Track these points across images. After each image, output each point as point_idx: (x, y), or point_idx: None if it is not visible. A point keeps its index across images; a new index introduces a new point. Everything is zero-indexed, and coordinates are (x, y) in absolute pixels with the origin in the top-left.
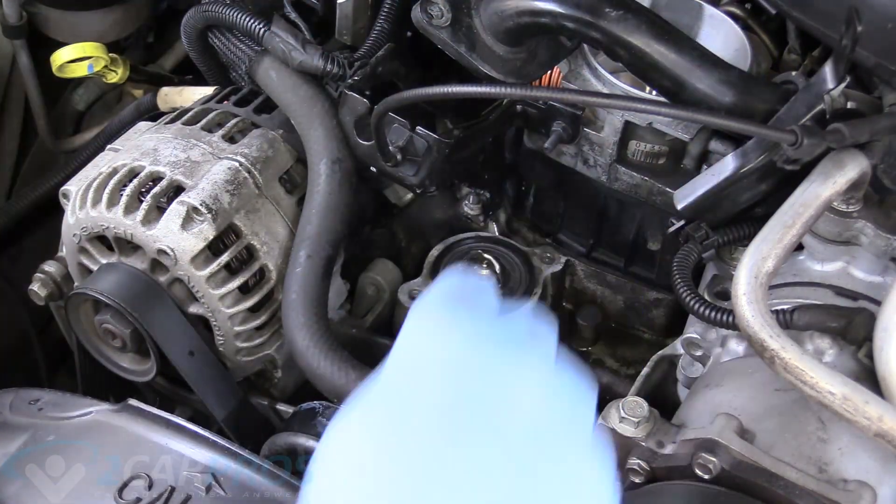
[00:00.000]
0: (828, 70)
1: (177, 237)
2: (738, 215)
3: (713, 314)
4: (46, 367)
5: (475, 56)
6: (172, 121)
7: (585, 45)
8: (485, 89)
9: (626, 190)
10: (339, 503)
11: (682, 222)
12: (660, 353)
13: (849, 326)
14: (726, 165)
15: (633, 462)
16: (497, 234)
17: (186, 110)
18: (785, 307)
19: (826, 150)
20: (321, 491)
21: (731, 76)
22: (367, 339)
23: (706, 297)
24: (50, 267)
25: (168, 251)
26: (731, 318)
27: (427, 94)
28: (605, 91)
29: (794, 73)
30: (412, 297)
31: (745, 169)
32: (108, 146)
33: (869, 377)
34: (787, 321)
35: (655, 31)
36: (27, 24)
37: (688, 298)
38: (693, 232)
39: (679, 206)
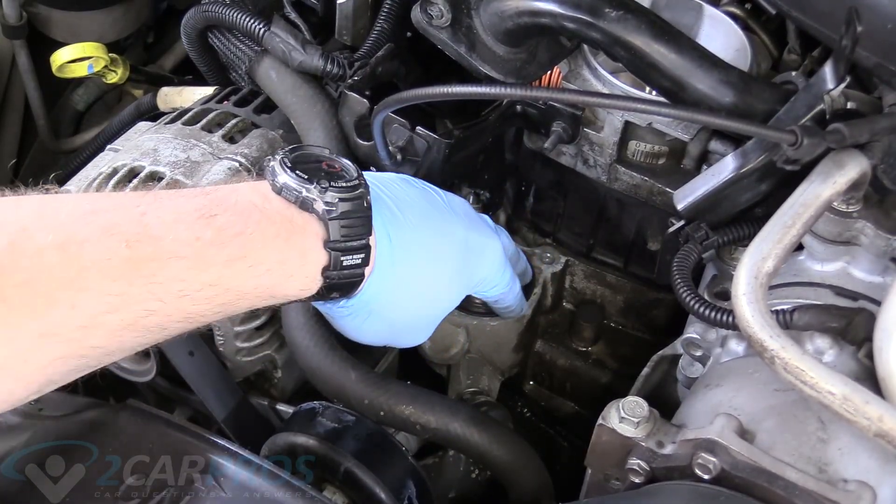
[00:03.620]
0: (828, 70)
1: None
2: (738, 215)
3: (713, 314)
4: None
5: (475, 56)
6: (172, 121)
7: (585, 46)
8: (485, 89)
9: (626, 190)
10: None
11: (681, 222)
12: (660, 353)
13: (849, 326)
14: (726, 165)
15: (633, 462)
16: None
17: (186, 110)
18: (785, 307)
19: (826, 150)
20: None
21: (730, 76)
22: None
23: (706, 297)
24: None
25: None
26: (731, 318)
27: (427, 94)
28: (605, 91)
29: (794, 73)
30: None
31: (745, 169)
32: (108, 146)
33: (869, 377)
34: (786, 321)
35: (655, 32)
36: (27, 24)
37: (688, 298)
38: (693, 232)
39: (679, 207)
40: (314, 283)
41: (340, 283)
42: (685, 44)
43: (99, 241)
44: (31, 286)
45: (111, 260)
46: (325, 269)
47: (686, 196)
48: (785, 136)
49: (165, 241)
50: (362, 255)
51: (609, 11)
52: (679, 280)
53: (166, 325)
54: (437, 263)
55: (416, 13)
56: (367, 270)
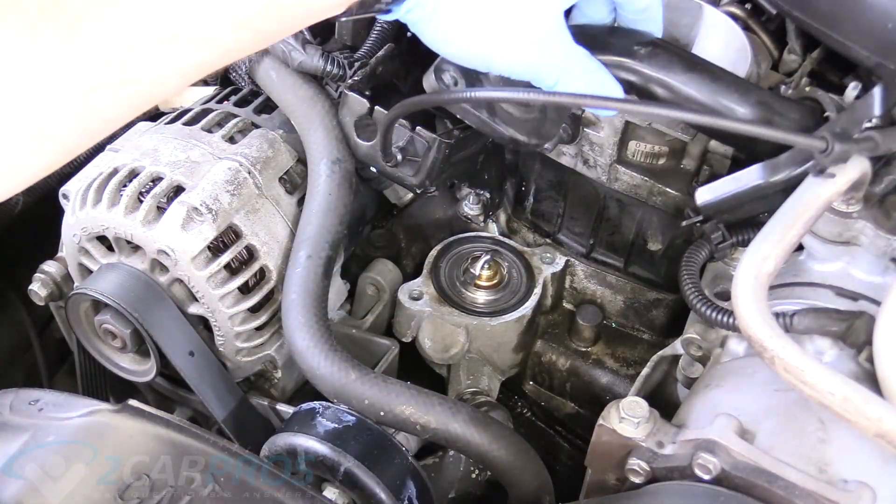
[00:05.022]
0: (877, 96)
1: (177, 237)
2: (753, 220)
3: (718, 316)
4: (46, 367)
5: (498, 121)
6: (172, 121)
7: None
8: (501, 94)
9: (626, 190)
10: None
11: (698, 217)
12: (660, 353)
13: (849, 330)
14: (754, 174)
15: (633, 462)
16: (497, 234)
17: (186, 110)
18: (785, 307)
19: None
20: None
21: (764, 97)
22: (366, 339)
23: None
24: (50, 267)
25: (168, 251)
26: (731, 319)
27: (444, 99)
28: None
29: (819, 91)
30: (412, 298)
31: (772, 180)
32: (108, 146)
33: (869, 380)
34: (787, 325)
35: (685, 63)
36: None
37: (693, 298)
38: (710, 232)
39: (699, 202)
40: None
41: None
42: (715, 70)
43: None
44: (56, 5)
45: None
46: None
47: (709, 193)
48: (815, 143)
49: None
50: None
51: (638, 49)
52: (686, 277)
53: (214, 34)
54: None
55: (430, 81)
56: None
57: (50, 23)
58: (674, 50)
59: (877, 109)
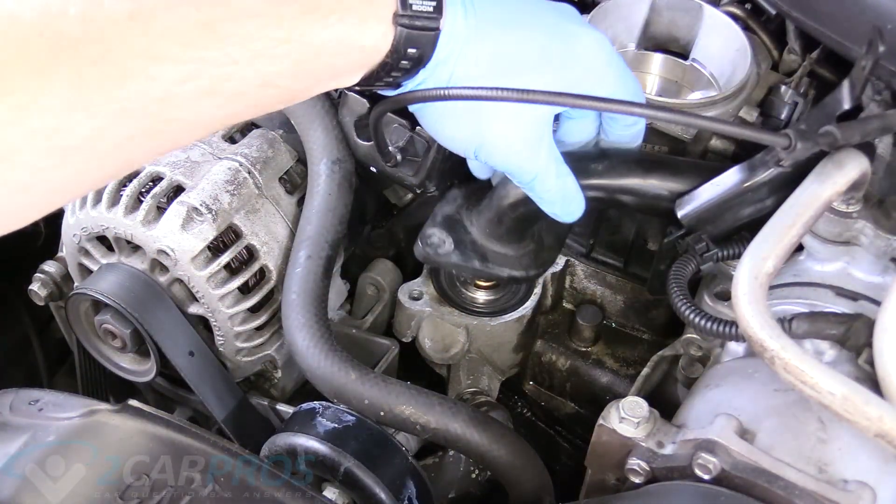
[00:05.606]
0: (844, 90)
1: (177, 237)
2: (741, 228)
3: (711, 325)
4: (46, 367)
5: (491, 265)
6: None
7: None
8: (482, 92)
9: None
10: None
11: (681, 231)
12: (660, 353)
13: (848, 333)
14: (731, 177)
15: (633, 462)
16: None
17: None
18: (785, 308)
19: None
20: None
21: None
22: (366, 339)
23: (705, 297)
24: (50, 267)
25: (168, 251)
26: (729, 329)
27: (429, 96)
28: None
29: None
30: (412, 298)
31: (750, 183)
32: None
33: (869, 382)
34: (785, 330)
35: (643, 166)
36: None
37: (685, 310)
38: (694, 244)
39: (679, 214)
40: (388, 29)
41: (415, 34)
42: (675, 162)
43: (169, 7)
44: (106, 59)
45: (183, 25)
46: (395, 15)
47: (687, 204)
48: (779, 140)
49: (236, 1)
50: (433, 2)
51: (595, 166)
52: (676, 290)
53: (244, 89)
54: (520, 31)
55: (419, 251)
56: (441, 23)
57: (99, 75)
58: (630, 156)
59: (846, 104)
